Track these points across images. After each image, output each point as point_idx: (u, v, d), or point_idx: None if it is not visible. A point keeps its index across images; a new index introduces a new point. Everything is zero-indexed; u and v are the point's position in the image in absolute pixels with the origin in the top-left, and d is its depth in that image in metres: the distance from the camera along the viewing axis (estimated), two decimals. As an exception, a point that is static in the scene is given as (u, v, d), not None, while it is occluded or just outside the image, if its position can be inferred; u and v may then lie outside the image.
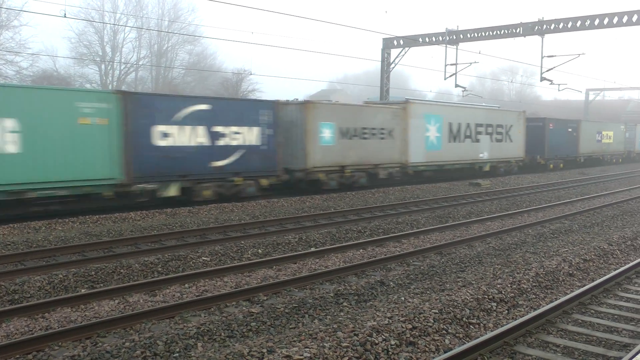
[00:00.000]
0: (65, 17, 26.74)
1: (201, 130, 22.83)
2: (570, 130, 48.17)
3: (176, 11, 73.05)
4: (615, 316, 10.29)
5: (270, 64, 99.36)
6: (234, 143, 23.94)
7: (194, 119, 22.61)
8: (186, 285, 11.75)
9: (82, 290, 11.35)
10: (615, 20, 33.37)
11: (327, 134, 27.35)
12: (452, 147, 34.96)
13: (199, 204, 21.89)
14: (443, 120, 34.16)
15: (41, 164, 18.53)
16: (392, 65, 43.01)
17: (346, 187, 28.33)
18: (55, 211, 19.91)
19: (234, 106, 24.62)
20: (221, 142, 23.50)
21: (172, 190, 21.88)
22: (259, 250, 14.97)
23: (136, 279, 12.28)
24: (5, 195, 18.02)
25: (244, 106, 25.32)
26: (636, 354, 6.46)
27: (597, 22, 34.05)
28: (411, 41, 41.21)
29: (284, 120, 26.27)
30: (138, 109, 20.92)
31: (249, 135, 24.50)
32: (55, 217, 18.59)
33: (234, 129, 23.94)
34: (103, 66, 68.48)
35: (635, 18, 32.66)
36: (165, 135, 21.70)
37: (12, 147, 17.96)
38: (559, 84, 40.15)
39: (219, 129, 23.40)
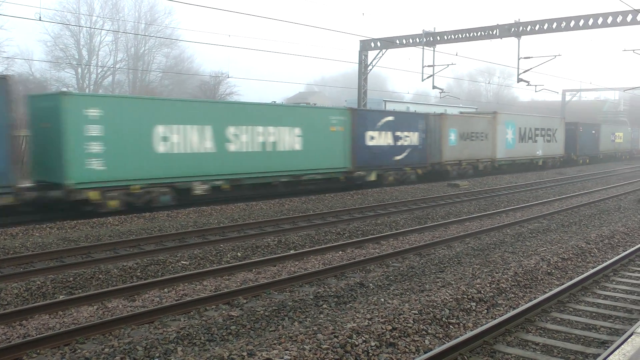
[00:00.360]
0: (40, 20, 26.55)
1: (390, 134, 32.47)
2: (593, 132, 58.85)
3: (153, 14, 72.94)
4: (594, 314, 10.40)
5: (248, 66, 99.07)
6: (405, 143, 33.60)
7: (386, 127, 32.21)
8: (165, 289, 11.70)
9: (61, 297, 11.28)
10: (591, 22, 33.62)
11: (452, 137, 37.16)
12: (521, 146, 45.36)
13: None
14: (516, 126, 44.33)
15: (311, 157, 27.71)
16: (370, 67, 43.07)
17: (460, 177, 37.27)
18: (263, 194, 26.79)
19: (406, 117, 35.39)
20: (399, 142, 33.17)
21: (373, 176, 31.46)
22: (238, 254, 14.95)
23: (115, 284, 12.21)
24: (291, 177, 26.95)
25: (411, 117, 35.67)
26: (613, 350, 6.52)
27: (572, 23, 34.29)
28: (388, 43, 41.28)
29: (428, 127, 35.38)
30: (359, 120, 30.51)
31: (413, 138, 34.16)
32: (33, 223, 18.46)
33: (406, 133, 33.62)
34: (80, 70, 68.06)
35: (610, 20, 32.94)
36: (372, 138, 31.30)
37: (298, 146, 27.16)
38: (535, 85, 40.44)
39: (398, 133, 32.99)
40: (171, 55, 75.29)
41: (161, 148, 21.66)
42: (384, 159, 31.98)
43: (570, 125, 54.09)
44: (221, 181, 23.81)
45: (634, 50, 33.98)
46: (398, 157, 33.06)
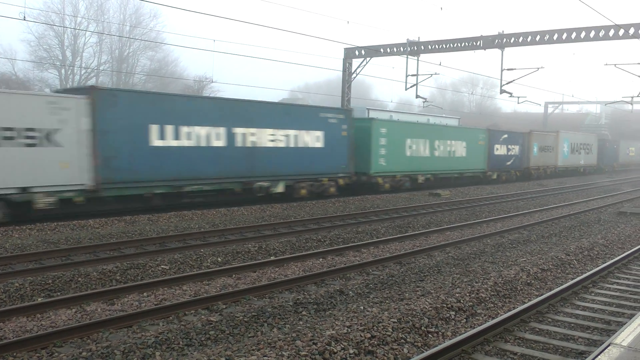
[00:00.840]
0: (24, 19, 26.40)
1: (505, 147, 46.04)
2: (615, 146, 71.35)
3: (138, 17, 72.46)
4: (572, 324, 10.46)
5: (232, 71, 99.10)
6: (512, 153, 47.16)
7: (503, 141, 45.95)
8: (145, 293, 11.66)
9: (39, 299, 11.20)
10: (574, 35, 33.90)
11: (535, 149, 50.64)
12: (572, 157, 58.28)
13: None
14: (569, 141, 57.33)
15: (469, 161, 41.59)
16: (354, 75, 43.16)
17: (538, 178, 51.00)
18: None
19: (514, 134, 48.33)
20: (509, 153, 46.75)
21: (495, 175, 44.97)
22: (219, 259, 14.93)
23: (94, 287, 12.15)
24: (458, 174, 40.92)
25: (517, 134, 48.71)
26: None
27: (555, 36, 34.55)
28: (372, 51, 41.39)
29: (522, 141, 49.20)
30: (490, 136, 43.96)
31: (516, 150, 47.83)
32: (12, 224, 18.35)
33: (513, 146, 47.23)
34: (63, 71, 67.67)
35: (592, 34, 33.24)
36: (497, 149, 44.75)
37: (464, 153, 40.59)
38: (518, 97, 40.64)
39: (509, 146, 46.74)
40: (155, 58, 74.99)
41: (407, 152, 35.09)
42: (501, 164, 45.88)
43: (600, 141, 67.00)
44: (429, 175, 37.44)
45: (615, 64, 34.22)
46: (508, 163, 46.88)
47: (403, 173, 34.50)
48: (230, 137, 24.90)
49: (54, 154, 19.43)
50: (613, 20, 26.57)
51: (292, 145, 27.60)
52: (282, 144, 27.15)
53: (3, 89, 26.28)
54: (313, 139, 28.62)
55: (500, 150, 45.28)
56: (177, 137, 22.97)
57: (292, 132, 27.61)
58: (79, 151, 20.03)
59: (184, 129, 23.17)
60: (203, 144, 23.91)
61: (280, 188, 26.87)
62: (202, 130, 23.84)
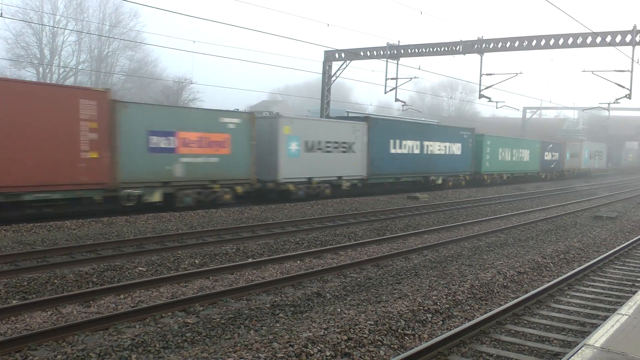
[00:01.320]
0: (1, 16, 26.20)
1: (550, 153, 59.31)
2: (622, 152, 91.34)
3: (117, 16, 72.03)
4: (547, 326, 10.55)
5: (212, 73, 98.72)
6: (554, 159, 60.22)
7: (550, 149, 59.49)
8: (122, 295, 11.60)
9: (14, 302, 11.10)
10: (552, 42, 34.16)
11: (567, 155, 64.62)
12: (590, 161, 72.56)
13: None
14: (589, 149, 72.32)
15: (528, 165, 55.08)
16: (334, 77, 43.22)
17: (575, 177, 65.80)
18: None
19: (556, 144, 61.61)
20: (553, 158, 60.08)
21: (544, 175, 58.23)
22: (196, 261, 14.89)
23: (70, 289, 12.06)
24: (523, 173, 54.45)
25: (557, 144, 61.90)
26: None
27: (534, 42, 34.79)
28: (352, 54, 41.46)
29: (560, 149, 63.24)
30: (543, 146, 57.50)
31: (556, 156, 61.04)
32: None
33: (554, 153, 60.39)
34: (41, 69, 67.10)
35: (570, 41, 33.52)
36: (546, 155, 58.02)
37: (526, 158, 54.46)
38: (497, 102, 40.82)
39: (553, 153, 60.01)
40: (135, 58, 74.61)
41: (499, 157, 48.43)
42: (547, 167, 59.68)
43: (611, 147, 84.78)
44: (509, 174, 51.09)
45: (592, 71, 34.50)
46: (552, 166, 60.81)
47: (501, 172, 49.48)
48: (422, 147, 38.76)
49: (351, 157, 32.54)
50: (590, 28, 26.84)
51: (446, 153, 41.54)
52: (442, 152, 40.97)
53: (328, 118, 38.19)
54: (455, 149, 42.54)
55: (547, 156, 59.52)
56: (400, 147, 36.51)
57: (446, 144, 41.48)
58: (362, 155, 33.27)
59: (402, 142, 36.68)
60: (410, 152, 37.50)
61: (439, 181, 40.67)
62: (409, 143, 37.41)
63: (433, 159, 39.64)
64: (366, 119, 34.37)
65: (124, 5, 69.46)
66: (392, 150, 35.50)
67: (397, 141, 35.86)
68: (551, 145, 60.53)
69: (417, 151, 37.88)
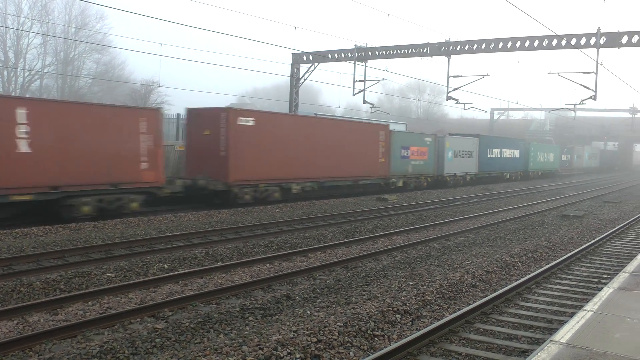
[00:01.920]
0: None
1: (567, 155, 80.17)
2: (632, 153, 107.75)
3: (84, 18, 70.93)
4: (515, 324, 10.68)
5: (180, 76, 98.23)
6: (565, 160, 78.27)
7: (566, 152, 79.37)
8: (90, 302, 11.49)
9: (-20, 309, 11.00)
10: (518, 44, 34.49)
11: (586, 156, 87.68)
12: (587, 162, 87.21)
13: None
14: (589, 152, 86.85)
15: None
16: (302, 80, 43.27)
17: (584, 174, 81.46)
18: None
19: (570, 148, 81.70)
20: (566, 159, 78.84)
21: (540, 173, 68.60)
22: (165, 266, 14.82)
23: (37, 297, 11.91)
24: (547, 170, 71.37)
25: (570, 147, 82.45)
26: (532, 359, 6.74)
27: (500, 45, 35.11)
28: (320, 57, 41.54)
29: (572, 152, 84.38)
30: (563, 150, 78.95)
31: (568, 157, 79.85)
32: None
33: (566, 155, 79.28)
34: (5, 72, 66.14)
35: (536, 43, 33.86)
36: (563, 157, 78.01)
37: (551, 159, 73.64)
38: (464, 103, 41.08)
39: (566, 155, 78.38)
40: (102, 61, 73.66)
41: (489, 155, 55.05)
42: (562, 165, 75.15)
43: (596, 150, 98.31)
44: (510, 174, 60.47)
45: (558, 73, 34.84)
46: (566, 166, 76.55)
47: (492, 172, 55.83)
48: (501, 153, 56.31)
49: (471, 160, 49.72)
50: (555, 30, 27.14)
51: (512, 157, 59.35)
52: (509, 156, 58.55)
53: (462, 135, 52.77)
54: (516, 154, 60.33)
55: (564, 157, 77.56)
56: (491, 153, 54.04)
57: (512, 150, 59.37)
58: (475, 159, 50.51)
59: (493, 150, 54.62)
60: (495, 156, 55.13)
61: (507, 176, 58.21)
62: (495, 150, 55.34)
63: (504, 161, 57.84)
64: (477, 135, 53.01)
65: (90, 7, 68.73)
66: (489, 156, 53.87)
67: (490, 149, 54.23)
68: (566, 149, 76.14)
69: (498, 156, 56.25)
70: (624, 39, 31.46)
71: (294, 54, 42.86)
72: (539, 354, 6.80)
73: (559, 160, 74.52)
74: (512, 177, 59.37)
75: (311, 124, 32.75)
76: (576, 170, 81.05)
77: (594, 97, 33.52)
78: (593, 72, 32.30)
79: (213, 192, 26.75)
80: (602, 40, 31.82)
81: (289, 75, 43.56)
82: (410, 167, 40.84)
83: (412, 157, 40.83)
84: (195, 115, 27.95)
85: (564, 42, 32.97)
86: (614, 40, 31.70)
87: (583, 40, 32.46)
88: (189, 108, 28.97)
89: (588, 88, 33.33)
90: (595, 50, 31.87)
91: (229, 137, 26.34)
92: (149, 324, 10.18)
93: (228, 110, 27.18)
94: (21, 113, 19.56)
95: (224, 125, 26.38)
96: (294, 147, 29.80)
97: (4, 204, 19.45)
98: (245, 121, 27.08)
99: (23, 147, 19.70)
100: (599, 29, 31.70)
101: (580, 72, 33.27)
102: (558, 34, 30.41)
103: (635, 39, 31.22)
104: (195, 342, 9.32)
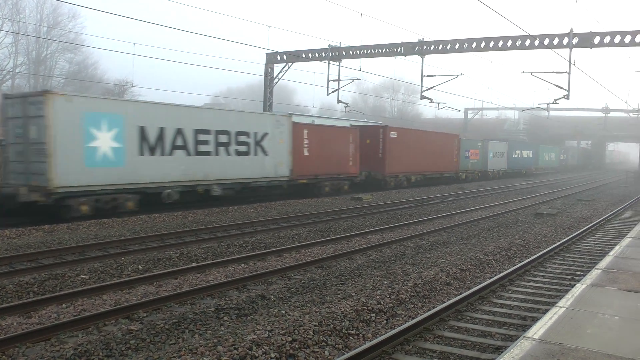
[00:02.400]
0: None
1: (564, 155, 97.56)
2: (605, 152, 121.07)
3: (56, 17, 70.15)
4: (489, 321, 10.78)
5: (153, 76, 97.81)
6: (563, 158, 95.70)
7: (563, 153, 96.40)
8: (64, 305, 11.41)
9: (-49, 312, 10.91)
10: (492, 44, 34.69)
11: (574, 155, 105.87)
12: (581, 159, 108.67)
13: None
14: (580, 151, 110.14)
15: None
16: (276, 80, 43.24)
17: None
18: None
19: (567, 148, 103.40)
20: (561, 158, 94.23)
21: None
22: (140, 267, 14.76)
23: (10, 300, 11.80)
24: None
25: (569, 148, 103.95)
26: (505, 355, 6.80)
27: (474, 45, 35.29)
28: (294, 57, 41.53)
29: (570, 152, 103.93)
30: (562, 150, 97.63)
31: (565, 156, 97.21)
32: None
33: (563, 155, 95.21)
34: (-25, 73, 65.38)
35: (509, 43, 34.08)
36: (561, 157, 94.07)
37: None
38: (438, 103, 41.23)
39: (563, 155, 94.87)
40: (75, 60, 72.90)
41: (514, 155, 69.75)
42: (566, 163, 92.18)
43: (585, 151, 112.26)
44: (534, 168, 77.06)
45: (531, 72, 35.08)
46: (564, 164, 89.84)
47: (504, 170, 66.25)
48: (520, 153, 69.54)
49: (503, 159, 63.86)
50: (528, 31, 27.36)
51: (528, 157, 74.09)
52: (526, 156, 72.57)
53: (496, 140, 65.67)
54: (530, 154, 74.84)
55: (562, 157, 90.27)
56: (515, 154, 67.51)
57: (526, 151, 73.26)
58: (505, 158, 64.89)
59: (516, 151, 68.28)
60: (517, 156, 68.61)
61: (524, 172, 69.33)
62: (517, 151, 68.78)
63: (523, 160, 71.62)
64: (507, 140, 67.75)
65: (62, 6, 68.02)
66: (514, 156, 67.70)
67: (514, 150, 67.90)
68: (563, 150, 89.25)
69: (520, 156, 69.98)
70: (596, 39, 31.77)
71: (267, 54, 42.82)
72: (512, 350, 6.86)
73: (559, 159, 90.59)
74: (526, 172, 72.51)
75: (420, 135, 47.54)
76: (570, 167, 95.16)
77: (567, 97, 33.78)
78: (566, 72, 32.54)
79: (374, 180, 40.55)
80: (575, 40, 32.10)
81: (263, 75, 43.50)
82: (470, 164, 56.03)
83: (471, 157, 56.19)
84: (361, 130, 39.30)
85: (537, 43, 33.23)
86: (586, 40, 31.99)
87: (556, 41, 32.73)
88: (357, 125, 41.69)
89: (561, 88, 33.60)
90: (568, 50, 32.13)
91: (385, 145, 40.64)
92: (123, 326, 10.12)
93: (385, 127, 42.23)
94: (305, 133, 32.92)
95: (382, 137, 40.63)
96: (413, 152, 43.88)
97: (294, 184, 32.56)
98: (393, 134, 41.43)
99: (305, 152, 32.88)
100: (571, 30, 31.98)
101: (553, 72, 33.52)
102: (531, 34, 30.64)
103: (607, 40, 31.54)
104: (170, 343, 9.29)
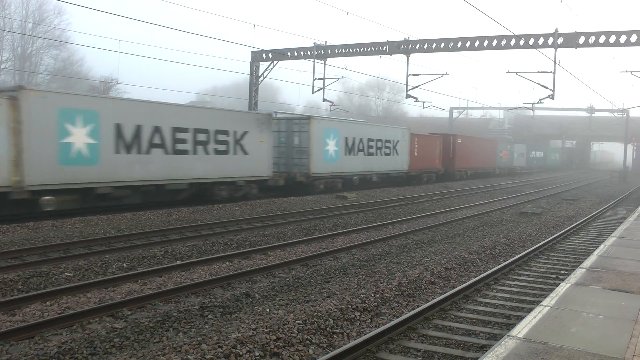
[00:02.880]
0: None
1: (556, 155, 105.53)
2: (589, 151, 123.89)
3: (41, 13, 69.74)
4: (474, 320, 10.82)
5: (139, 73, 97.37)
6: (556, 158, 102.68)
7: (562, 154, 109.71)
8: (48, 302, 11.36)
9: None
10: (477, 43, 34.75)
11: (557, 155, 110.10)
12: (563, 159, 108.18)
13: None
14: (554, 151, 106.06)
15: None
16: (261, 78, 43.15)
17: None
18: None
19: (565, 149, 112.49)
20: (551, 158, 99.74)
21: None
22: (124, 264, 14.72)
23: (-6, 297, 11.80)
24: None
25: (565, 150, 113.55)
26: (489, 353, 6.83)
27: (459, 44, 35.33)
28: (279, 55, 41.47)
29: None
30: (558, 150, 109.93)
31: (555, 155, 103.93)
32: None
33: (555, 155, 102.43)
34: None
35: (494, 43, 34.15)
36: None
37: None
38: (423, 102, 41.27)
39: (556, 155, 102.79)
40: (60, 57, 72.51)
41: (530, 156, 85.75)
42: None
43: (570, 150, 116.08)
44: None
45: (517, 72, 35.18)
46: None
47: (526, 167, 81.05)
48: (534, 154, 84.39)
49: (523, 159, 79.12)
50: (513, 31, 27.41)
51: (539, 157, 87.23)
52: (539, 156, 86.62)
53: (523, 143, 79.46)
54: (540, 154, 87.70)
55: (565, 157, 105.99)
56: (531, 154, 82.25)
57: (540, 152, 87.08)
58: (525, 157, 79.72)
59: (532, 152, 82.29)
60: (532, 156, 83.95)
61: (535, 169, 79.19)
62: (532, 152, 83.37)
63: (536, 159, 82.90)
64: (524, 141, 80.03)
65: (48, 2, 67.68)
66: (530, 156, 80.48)
67: (531, 151, 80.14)
68: (556, 149, 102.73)
69: (534, 156, 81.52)
70: (581, 40, 31.91)
71: (253, 52, 42.72)
72: (496, 349, 6.90)
73: (562, 159, 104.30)
74: (537, 170, 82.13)
75: (475, 140, 60.76)
76: (560, 167, 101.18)
77: (551, 97, 33.89)
78: (551, 72, 32.66)
79: (447, 172, 53.46)
80: (560, 40, 32.22)
81: (249, 73, 43.42)
82: (502, 163, 68.60)
83: (503, 157, 69.14)
84: (443, 137, 52.83)
85: (522, 42, 33.33)
86: (571, 40, 32.13)
87: (541, 41, 32.84)
88: (439, 134, 54.29)
89: (546, 87, 33.70)
90: (553, 50, 32.25)
91: (455, 148, 53.83)
92: (107, 324, 10.10)
93: (454, 135, 55.24)
94: (414, 140, 46.48)
95: (452, 142, 53.54)
96: (469, 153, 57.08)
97: (409, 175, 46.33)
98: (459, 140, 54.81)
99: (414, 153, 46.15)
100: (556, 30, 32.10)
101: (538, 72, 33.64)
102: (516, 34, 30.73)
103: (592, 40, 31.68)
104: (155, 341, 9.28)
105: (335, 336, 9.69)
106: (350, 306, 10.96)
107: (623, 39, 31.02)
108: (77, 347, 8.85)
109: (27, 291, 12.23)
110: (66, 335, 9.55)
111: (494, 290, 13.13)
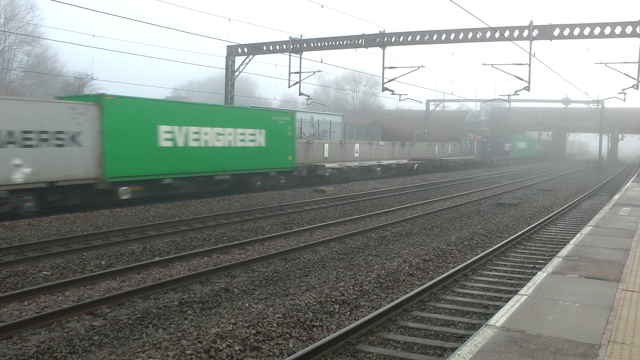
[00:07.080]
0: None
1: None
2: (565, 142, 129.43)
3: (13, 8, 68.84)
4: (452, 311, 10.90)
5: (113, 69, 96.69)
6: (540, 149, 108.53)
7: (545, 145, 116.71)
8: (26, 302, 11.27)
9: None
10: (452, 36, 34.90)
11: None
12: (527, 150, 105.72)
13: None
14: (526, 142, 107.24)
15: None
16: (237, 72, 43.07)
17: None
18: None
19: (546, 142, 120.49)
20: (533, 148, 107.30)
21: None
22: (102, 262, 14.64)
23: (-30, 297, 11.68)
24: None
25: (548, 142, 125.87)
26: (468, 343, 6.88)
27: (435, 37, 35.45)
28: (255, 49, 41.41)
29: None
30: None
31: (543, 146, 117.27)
32: None
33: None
34: None
35: (470, 35, 34.33)
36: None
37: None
38: (400, 95, 41.36)
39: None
40: (33, 53, 71.74)
41: (519, 146, 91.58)
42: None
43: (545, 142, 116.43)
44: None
45: (492, 64, 35.36)
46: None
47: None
48: (523, 144, 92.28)
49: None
50: (489, 23, 27.54)
51: (525, 148, 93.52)
52: (524, 147, 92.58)
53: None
54: (526, 145, 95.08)
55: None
56: (521, 146, 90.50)
57: (525, 143, 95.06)
58: (524, 147, 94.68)
59: (520, 143, 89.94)
60: (533, 148, 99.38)
61: (523, 159, 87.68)
62: (521, 142, 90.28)
63: (523, 150, 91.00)
64: (528, 137, 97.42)
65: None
66: (531, 147, 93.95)
67: (519, 142, 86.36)
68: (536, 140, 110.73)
69: (533, 147, 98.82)
70: (556, 32, 32.16)
71: (228, 46, 42.64)
72: (475, 338, 6.95)
73: (544, 149, 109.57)
74: (524, 160, 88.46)
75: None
76: (538, 158, 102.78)
77: (527, 88, 34.18)
78: (526, 64, 32.91)
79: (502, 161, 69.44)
80: (535, 32, 32.47)
81: (224, 67, 43.32)
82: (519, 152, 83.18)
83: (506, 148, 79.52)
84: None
85: (497, 35, 33.52)
86: (546, 32, 32.38)
87: (516, 33, 33.06)
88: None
89: (522, 79, 33.95)
90: (528, 42, 32.48)
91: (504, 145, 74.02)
92: (86, 322, 10.05)
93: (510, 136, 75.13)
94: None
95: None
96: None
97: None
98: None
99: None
100: (531, 22, 32.33)
101: (514, 64, 33.87)
102: (492, 26, 30.88)
103: (566, 32, 31.95)
104: (134, 338, 9.25)
105: (314, 329, 9.72)
106: (329, 299, 10.99)
107: (597, 30, 31.31)
108: (56, 346, 8.80)
109: (5, 291, 12.12)
110: (45, 334, 9.49)
111: (472, 281, 13.22)
